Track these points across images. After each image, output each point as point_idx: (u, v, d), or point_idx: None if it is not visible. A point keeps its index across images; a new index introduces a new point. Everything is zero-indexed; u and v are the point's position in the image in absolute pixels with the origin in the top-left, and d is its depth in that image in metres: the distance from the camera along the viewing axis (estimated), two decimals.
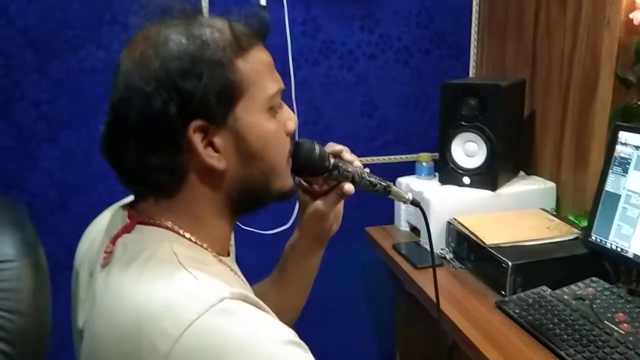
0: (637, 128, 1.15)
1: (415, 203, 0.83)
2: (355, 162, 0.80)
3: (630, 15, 1.23)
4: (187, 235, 0.63)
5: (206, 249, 0.64)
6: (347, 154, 0.80)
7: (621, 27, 1.27)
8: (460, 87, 1.50)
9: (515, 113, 1.55)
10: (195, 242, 0.63)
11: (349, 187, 0.78)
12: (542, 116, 1.58)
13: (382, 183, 0.80)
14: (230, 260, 0.69)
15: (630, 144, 1.14)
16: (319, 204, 0.80)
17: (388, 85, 1.83)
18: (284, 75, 1.67)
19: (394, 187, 0.82)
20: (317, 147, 0.75)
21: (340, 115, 1.80)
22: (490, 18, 1.81)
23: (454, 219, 1.37)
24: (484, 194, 1.46)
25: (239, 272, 0.69)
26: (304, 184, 0.81)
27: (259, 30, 0.65)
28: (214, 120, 0.60)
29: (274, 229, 1.71)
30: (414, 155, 1.71)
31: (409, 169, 1.67)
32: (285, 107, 0.69)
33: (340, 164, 0.77)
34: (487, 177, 1.47)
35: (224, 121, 0.61)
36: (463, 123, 1.48)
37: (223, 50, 0.60)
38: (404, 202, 0.83)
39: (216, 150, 0.61)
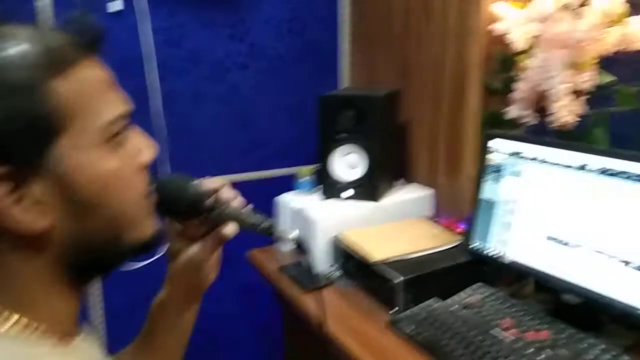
0: (506, 135, 1.19)
1: (299, 243, 0.73)
2: (236, 199, 0.69)
3: (491, 27, 1.28)
4: (15, 316, 0.48)
5: (45, 331, 0.49)
6: (227, 191, 0.69)
7: (485, 37, 1.32)
8: (336, 99, 1.47)
9: (391, 123, 1.55)
10: (27, 326, 0.48)
11: (230, 229, 0.67)
12: (417, 125, 1.60)
13: (266, 223, 0.69)
14: (82, 339, 0.55)
15: (501, 152, 1.17)
16: (194, 250, 0.68)
17: (261, 96, 1.75)
18: (148, 89, 1.54)
19: (278, 226, 0.72)
20: (189, 185, 0.64)
21: (212, 129, 1.69)
22: (361, 27, 1.81)
23: (339, 235, 1.33)
24: (366, 205, 1.44)
25: (96, 347, 0.56)
26: (175, 227, 0.69)
27: (89, 40, 0.51)
28: (25, 164, 0.46)
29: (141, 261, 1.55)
30: (293, 169, 1.65)
31: (289, 183, 1.60)
32: (136, 134, 0.56)
33: (219, 203, 0.67)
34: (369, 188, 1.45)
35: (40, 164, 0.46)
36: (341, 135, 1.44)
37: (30, 69, 0.46)
38: (288, 242, 0.73)
39: (36, 203, 0.47)
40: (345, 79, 1.87)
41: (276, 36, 1.73)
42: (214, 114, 1.68)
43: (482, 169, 1.20)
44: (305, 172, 1.55)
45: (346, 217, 1.40)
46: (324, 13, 1.80)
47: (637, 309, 0.93)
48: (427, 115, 1.55)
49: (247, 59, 1.70)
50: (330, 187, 1.48)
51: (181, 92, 1.62)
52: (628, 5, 1.05)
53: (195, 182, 0.66)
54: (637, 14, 1.06)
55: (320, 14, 1.79)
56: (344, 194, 1.46)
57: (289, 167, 1.77)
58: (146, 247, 0.56)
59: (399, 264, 1.18)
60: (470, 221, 1.22)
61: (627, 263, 0.94)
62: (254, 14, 1.68)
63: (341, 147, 1.46)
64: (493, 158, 1.18)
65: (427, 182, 1.57)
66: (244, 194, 0.71)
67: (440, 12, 1.46)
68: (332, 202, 1.47)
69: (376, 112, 1.43)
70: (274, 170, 1.79)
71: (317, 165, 1.51)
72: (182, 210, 0.64)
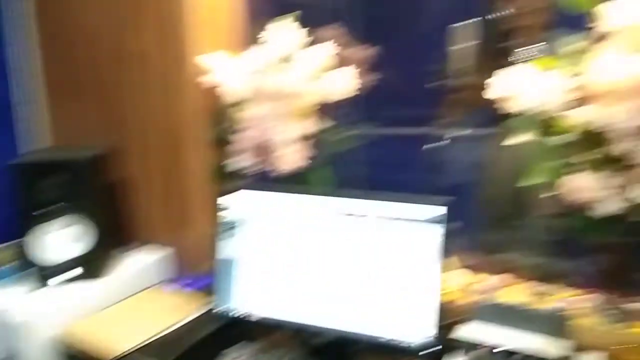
0: (235, 188, 1.16)
1: None
2: None
3: (206, 78, 1.25)
4: None
5: None
6: None
7: (201, 88, 1.28)
8: (35, 165, 1.22)
9: (108, 184, 1.37)
10: None
11: None
12: (143, 182, 1.45)
13: None
14: None
15: (232, 206, 1.13)
16: None
17: None
18: None
19: None
20: None
21: None
22: (59, 76, 1.55)
23: (62, 333, 1.09)
24: (94, 285, 1.23)
25: None
26: None
27: None
28: None
29: None
30: None
31: None
32: None
33: None
34: (93, 263, 1.24)
35: None
36: (49, 207, 1.20)
37: None
38: None
39: None
40: (44, 138, 1.58)
41: None
42: None
43: (217, 226, 1.14)
44: (2, 258, 1.24)
45: (68, 308, 1.16)
46: None
47: (380, 338, 1.00)
48: (151, 171, 1.42)
49: None
50: (40, 273, 1.21)
51: None
52: (335, 60, 1.15)
53: None
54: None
55: None
56: (60, 278, 1.22)
57: None
58: None
59: (151, 349, 1.03)
60: (213, 283, 1.15)
61: (364, 297, 1.00)
62: None
63: (51, 222, 1.21)
64: (226, 214, 1.14)
65: (164, 242, 1.43)
66: None
67: (154, 61, 1.35)
68: (45, 291, 1.20)
69: (88, 175, 1.24)
70: None
71: (19, 246, 1.23)
72: None
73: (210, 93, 1.26)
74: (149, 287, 1.31)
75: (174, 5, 1.25)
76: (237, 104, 1.23)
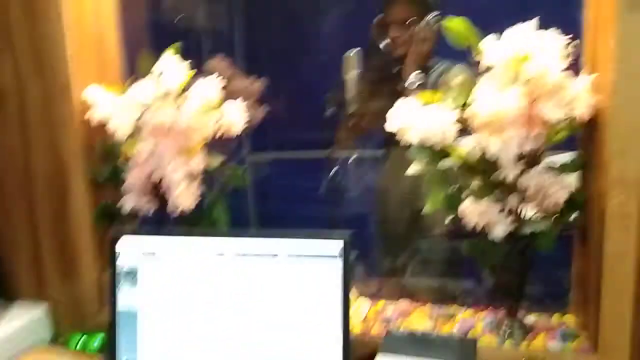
0: (126, 232, 1.08)
1: None
2: None
3: (87, 116, 1.16)
4: None
5: None
6: None
7: (83, 126, 1.18)
8: None
9: None
10: None
11: None
12: (10, 230, 1.30)
13: None
14: None
15: (122, 253, 1.05)
16: None
17: None
18: None
19: None
20: None
21: None
22: None
23: None
24: None
25: None
26: None
27: None
28: None
29: None
30: None
31: None
32: None
33: None
34: None
35: None
36: None
37: None
38: None
39: None
40: None
41: None
42: None
43: (108, 275, 1.05)
44: None
45: None
46: None
47: None
48: (22, 218, 1.28)
49: None
50: None
51: None
52: (223, 93, 1.11)
53: None
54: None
55: None
56: None
57: None
58: None
59: None
60: (108, 344, 1.05)
61: (269, 340, 0.97)
62: None
63: None
64: (117, 261, 1.05)
65: (38, 297, 1.29)
66: None
67: (32, 94, 1.22)
68: None
69: None
70: None
71: None
72: None
73: (97, 129, 1.17)
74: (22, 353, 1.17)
75: (51, 34, 1.15)
76: (125, 141, 1.15)
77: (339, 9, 2.18)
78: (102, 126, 1.16)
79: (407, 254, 1.56)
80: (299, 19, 2.24)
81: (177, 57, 1.11)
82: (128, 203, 1.16)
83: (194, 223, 1.15)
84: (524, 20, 0.89)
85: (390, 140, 1.71)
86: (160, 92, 1.10)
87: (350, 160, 1.87)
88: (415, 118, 0.94)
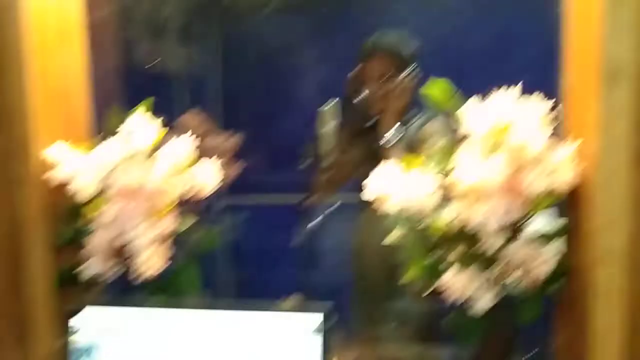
0: (89, 302, 1.01)
1: None
2: None
3: (48, 175, 1.10)
4: None
5: None
6: None
7: (43, 186, 1.11)
8: None
9: None
10: None
11: None
12: None
13: None
14: None
15: (84, 326, 0.97)
16: None
17: None
18: None
19: None
20: None
21: None
22: None
23: None
24: None
25: None
26: None
27: None
28: None
29: None
30: None
31: None
32: None
33: None
34: None
35: None
36: None
37: None
38: None
39: None
40: None
41: None
42: None
43: (66, 351, 0.97)
44: None
45: None
46: None
47: None
48: None
49: None
50: None
51: None
52: (197, 151, 1.07)
53: None
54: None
55: None
56: None
57: None
58: None
59: None
60: None
61: None
62: None
63: None
64: (77, 335, 0.97)
65: None
66: None
67: None
68: None
69: None
70: None
71: None
72: None
73: (58, 189, 1.10)
74: None
75: (13, 88, 1.10)
76: (89, 202, 1.09)
77: (316, 56, 2.18)
78: (64, 186, 1.10)
79: (387, 317, 1.50)
80: (276, 63, 2.23)
81: (149, 115, 1.06)
82: (90, 268, 1.09)
83: (161, 290, 1.08)
84: (502, 77, 0.88)
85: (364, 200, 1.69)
86: (129, 151, 1.05)
87: (327, 211, 1.83)
88: (394, 186, 0.91)
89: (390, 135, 1.57)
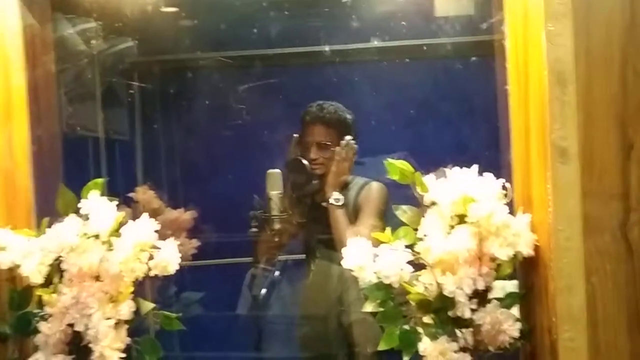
0: None
1: None
2: None
3: None
4: None
5: None
6: None
7: None
8: None
9: None
10: None
11: None
12: None
13: None
14: None
15: None
16: None
17: None
18: None
19: None
20: None
21: None
22: None
23: None
24: None
25: None
26: None
27: None
28: None
29: None
30: None
31: None
32: None
33: None
34: None
35: None
36: None
37: None
38: None
39: None
40: None
41: None
42: None
43: None
44: None
45: None
46: None
47: None
48: None
49: None
50: None
51: None
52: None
53: None
54: None
55: None
56: None
57: None
58: None
59: None
60: None
61: None
62: None
63: None
64: None
65: None
66: None
67: None
68: None
69: None
70: None
71: None
72: None
73: (7, 275, 1.03)
74: None
75: None
76: (39, 288, 1.02)
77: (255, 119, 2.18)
78: (9, 270, 1.02)
79: None
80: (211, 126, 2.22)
81: (101, 195, 1.03)
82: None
83: None
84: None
85: (313, 250, 1.71)
86: (86, 234, 1.00)
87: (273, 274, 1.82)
88: (365, 259, 0.94)
89: (334, 199, 1.60)
